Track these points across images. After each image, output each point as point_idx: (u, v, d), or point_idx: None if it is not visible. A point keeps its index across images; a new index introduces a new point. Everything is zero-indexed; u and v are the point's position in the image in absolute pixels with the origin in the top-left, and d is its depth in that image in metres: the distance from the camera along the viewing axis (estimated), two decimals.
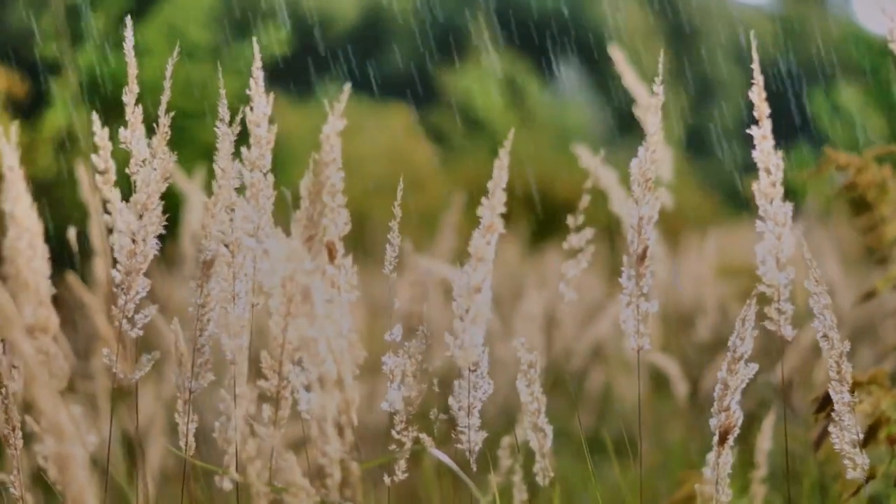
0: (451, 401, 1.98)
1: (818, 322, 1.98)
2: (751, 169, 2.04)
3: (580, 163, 3.56)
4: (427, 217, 9.21)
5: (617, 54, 3.69)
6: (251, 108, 2.01)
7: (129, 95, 2.01)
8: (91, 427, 2.86)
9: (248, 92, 2.00)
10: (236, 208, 2.00)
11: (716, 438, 1.96)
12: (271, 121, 2.02)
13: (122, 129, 2.01)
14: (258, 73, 2.00)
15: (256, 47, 2.01)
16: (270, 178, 2.01)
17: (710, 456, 2.01)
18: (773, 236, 1.99)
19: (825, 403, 2.24)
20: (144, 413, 3.39)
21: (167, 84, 2.01)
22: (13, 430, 1.91)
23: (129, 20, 2.02)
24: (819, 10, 22.65)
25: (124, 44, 2.01)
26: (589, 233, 2.60)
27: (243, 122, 2.03)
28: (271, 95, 2.01)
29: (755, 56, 2.00)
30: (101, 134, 2.23)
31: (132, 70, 2.01)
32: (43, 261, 2.42)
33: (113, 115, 2.30)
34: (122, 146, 2.03)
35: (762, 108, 2.00)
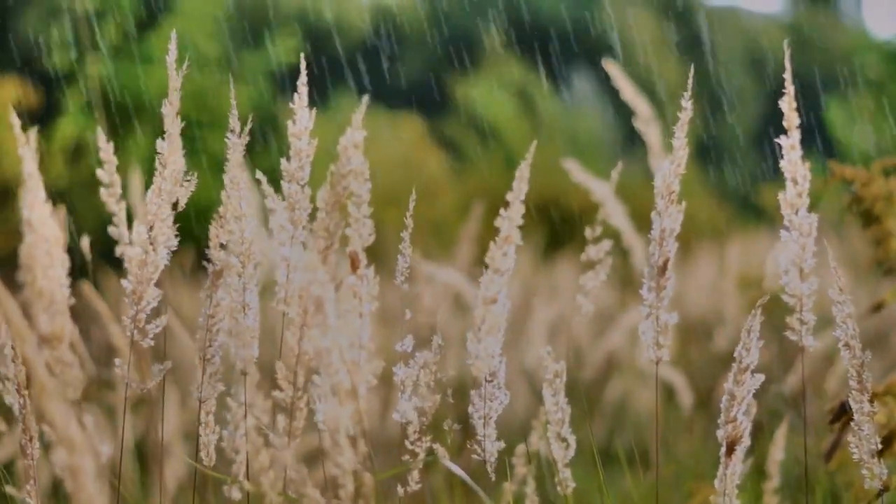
0: (470, 410, 1.97)
1: (840, 331, 1.96)
2: (763, 180, 2.04)
3: (592, 174, 3.54)
4: (439, 226, 9.21)
5: (613, 69, 3.52)
6: (293, 121, 2.01)
7: (169, 108, 2.00)
8: (107, 436, 2.86)
9: (291, 105, 2.01)
10: (245, 218, 2.00)
11: (723, 450, 1.96)
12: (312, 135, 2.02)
13: (159, 141, 2.00)
14: (303, 89, 2.00)
15: (304, 63, 2.01)
16: (308, 190, 2.01)
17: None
18: (797, 246, 1.98)
19: (841, 413, 2.24)
20: (159, 422, 3.39)
21: (176, 93, 2.00)
22: (30, 440, 1.91)
23: (174, 34, 2.02)
24: (830, 18, 22.63)
25: (140, 55, 2.02)
26: (607, 244, 2.59)
27: (252, 132, 2.04)
28: (313, 111, 2.01)
29: (788, 66, 1.98)
30: (105, 148, 2.24)
31: (173, 82, 2.00)
32: (61, 269, 2.39)
33: (124, 124, 2.31)
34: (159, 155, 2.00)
35: (791, 118, 1.98)
